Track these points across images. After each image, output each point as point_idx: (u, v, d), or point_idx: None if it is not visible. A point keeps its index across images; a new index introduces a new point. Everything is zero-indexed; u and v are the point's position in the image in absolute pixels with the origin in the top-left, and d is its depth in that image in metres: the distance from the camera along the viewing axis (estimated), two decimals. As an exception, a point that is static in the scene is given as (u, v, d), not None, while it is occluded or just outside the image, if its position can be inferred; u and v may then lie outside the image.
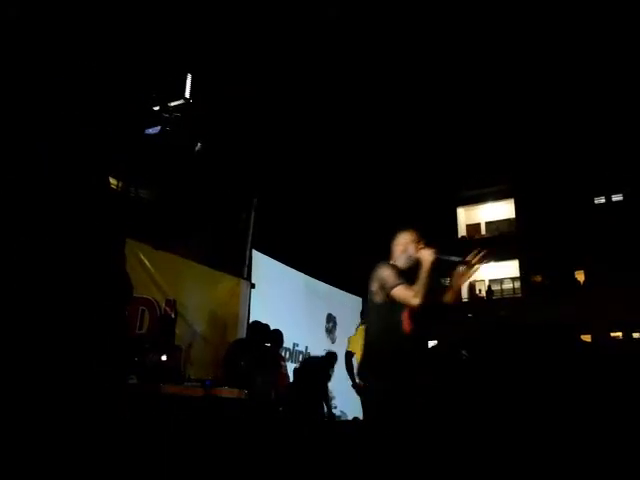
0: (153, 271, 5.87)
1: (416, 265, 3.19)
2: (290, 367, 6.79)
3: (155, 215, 5.85)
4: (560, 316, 13.62)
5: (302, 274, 8.56)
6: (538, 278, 18.12)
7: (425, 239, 3.30)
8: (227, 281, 6.95)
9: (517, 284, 18.29)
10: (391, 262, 3.32)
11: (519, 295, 18.02)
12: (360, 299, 10.61)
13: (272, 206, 7.71)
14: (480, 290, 18.86)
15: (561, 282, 17.15)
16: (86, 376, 2.28)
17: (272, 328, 6.07)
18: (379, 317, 3.24)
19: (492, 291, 18.71)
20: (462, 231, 19.73)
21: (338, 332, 9.41)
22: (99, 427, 2.18)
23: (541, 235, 17.27)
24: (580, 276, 17.53)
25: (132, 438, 2.80)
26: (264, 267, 7.61)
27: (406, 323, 3.13)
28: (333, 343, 9.17)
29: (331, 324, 9.34)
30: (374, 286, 3.23)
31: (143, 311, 5.79)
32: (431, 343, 14.02)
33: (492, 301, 18.20)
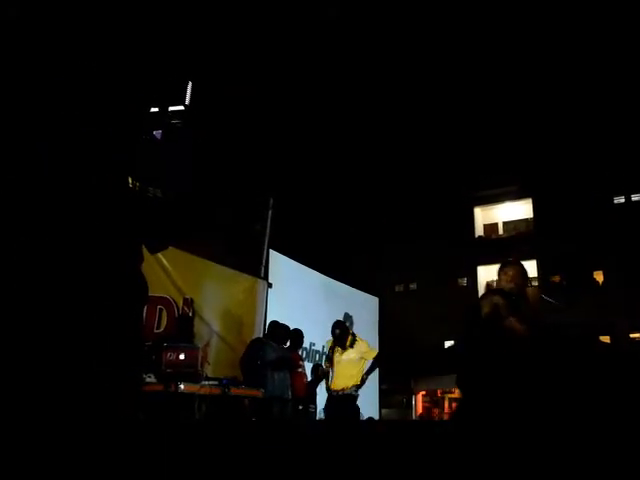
0: (171, 270, 5.87)
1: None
2: (307, 367, 6.75)
3: (173, 215, 5.84)
4: (579, 317, 13.41)
5: (319, 274, 8.51)
6: (556, 278, 17.87)
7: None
8: (244, 280, 6.93)
9: (535, 285, 18.05)
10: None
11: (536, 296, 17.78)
12: (377, 299, 10.55)
13: (289, 205, 7.68)
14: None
15: (580, 283, 16.89)
16: (97, 376, 2.25)
17: (290, 328, 6.05)
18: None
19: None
20: (479, 231, 19.54)
21: (355, 331, 9.33)
22: (109, 427, 2.15)
23: (559, 235, 17.02)
24: (599, 276, 17.25)
25: (148, 437, 2.77)
26: (281, 267, 7.57)
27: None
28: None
29: (348, 323, 9.26)
30: (482, 314, 3.29)
31: (161, 310, 5.79)
32: (448, 342, 13.85)
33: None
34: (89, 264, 2.54)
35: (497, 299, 3.31)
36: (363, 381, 5.70)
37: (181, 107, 3.14)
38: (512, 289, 3.42)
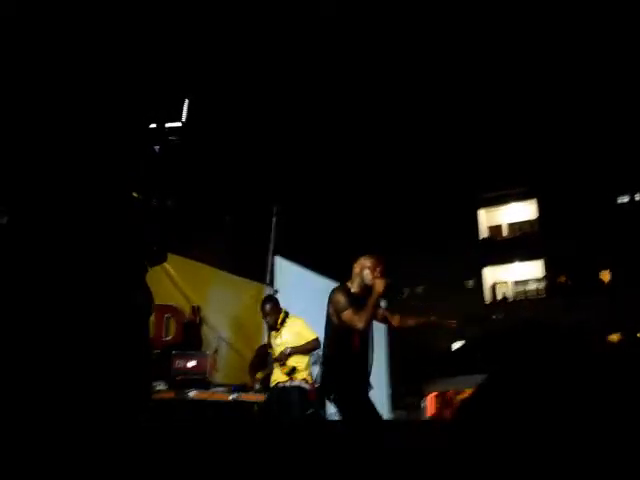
0: (177, 279, 5.91)
1: (369, 290, 3.56)
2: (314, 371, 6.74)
3: (178, 223, 5.90)
4: (585, 317, 13.34)
5: (325, 278, 8.50)
6: (562, 279, 17.79)
7: (382, 266, 3.55)
8: (250, 287, 6.94)
9: (541, 285, 17.99)
10: (347, 283, 3.72)
11: (543, 296, 17.72)
12: (384, 302, 10.53)
13: (294, 211, 7.70)
14: (504, 293, 18.60)
15: (586, 282, 16.81)
16: (102, 384, 2.27)
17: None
18: (336, 337, 3.61)
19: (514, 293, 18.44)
20: (484, 233, 19.49)
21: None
22: (110, 432, 2.17)
23: (565, 235, 16.96)
24: (605, 276, 17.16)
25: (158, 444, 2.78)
26: (287, 273, 7.57)
27: (356, 342, 3.55)
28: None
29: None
30: (330, 309, 3.61)
31: (168, 318, 5.82)
32: (456, 344, 13.82)
33: (515, 303, 17.92)
34: (95, 274, 2.57)
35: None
36: (284, 356, 4.74)
37: (178, 124, 3.19)
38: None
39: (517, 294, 18.40)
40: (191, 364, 5.21)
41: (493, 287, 18.65)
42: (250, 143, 6.70)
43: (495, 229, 19.54)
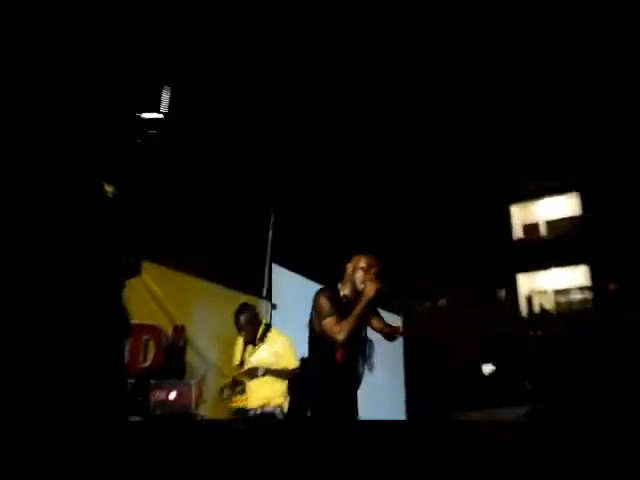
0: (158, 293, 5.90)
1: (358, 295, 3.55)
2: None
3: (160, 228, 5.90)
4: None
5: (331, 291, 8.52)
6: (611, 286, 17.75)
7: (380, 267, 3.54)
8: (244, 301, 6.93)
9: (587, 295, 17.95)
10: (338, 285, 3.72)
11: (589, 308, 17.68)
12: (400, 318, 10.52)
13: (294, 212, 7.67)
14: (542, 304, 18.56)
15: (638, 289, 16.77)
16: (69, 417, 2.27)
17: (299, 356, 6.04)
18: (317, 348, 3.61)
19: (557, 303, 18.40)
20: (517, 233, 19.45)
21: (377, 358, 9.29)
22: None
23: (613, 236, 16.91)
24: (662, 282, 17.12)
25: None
26: (286, 284, 7.57)
27: (339, 354, 3.52)
28: (371, 371, 9.05)
29: (368, 349, 9.23)
30: (312, 314, 3.64)
31: (147, 341, 5.81)
32: (487, 368, 13.88)
33: (557, 316, 17.88)
34: (60, 289, 2.54)
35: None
36: (252, 375, 4.64)
37: (158, 115, 3.21)
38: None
39: (558, 305, 18.36)
40: (172, 395, 5.18)
41: (529, 297, 18.61)
42: (242, 138, 6.72)
43: (531, 228, 19.50)
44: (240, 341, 5.16)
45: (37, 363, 2.38)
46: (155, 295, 5.85)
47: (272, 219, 7.42)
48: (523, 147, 16.73)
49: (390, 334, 3.87)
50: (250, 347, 4.97)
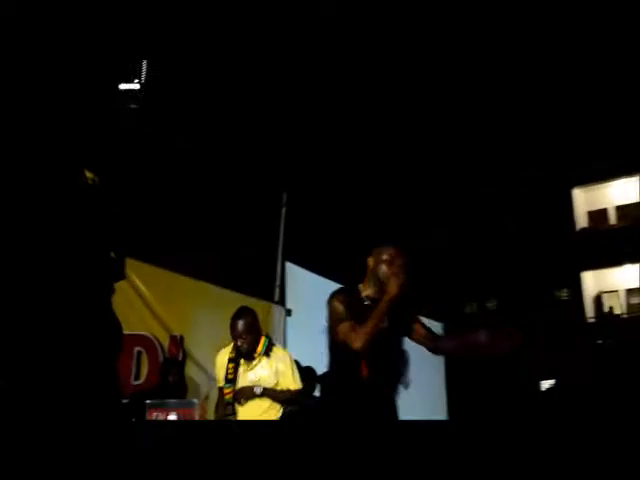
0: (151, 298, 5.94)
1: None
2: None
3: (155, 224, 5.96)
4: None
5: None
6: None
7: (404, 260, 3.47)
8: (254, 307, 6.94)
9: None
10: (360, 286, 3.65)
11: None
12: (439, 324, 10.47)
13: (309, 201, 7.66)
14: (612, 307, 18.38)
15: None
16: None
17: (318, 370, 6.05)
18: (335, 359, 3.56)
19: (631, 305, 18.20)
20: (582, 221, 19.27)
21: (414, 372, 9.28)
22: None
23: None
24: None
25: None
26: (302, 285, 7.58)
27: (363, 368, 3.44)
28: (406, 389, 9.05)
29: (402, 362, 9.22)
30: (327, 320, 3.52)
31: (140, 353, 5.87)
32: (546, 383, 13.83)
33: (629, 320, 17.69)
34: (38, 295, 2.58)
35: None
36: (250, 394, 4.57)
37: (135, 86, 3.25)
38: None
39: (631, 308, 18.16)
40: (172, 417, 5.23)
41: (597, 298, 18.42)
42: (252, 127, 6.79)
43: (598, 215, 19.28)
44: (225, 353, 4.92)
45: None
46: (147, 301, 5.91)
47: (284, 210, 7.41)
48: (586, 125, 16.57)
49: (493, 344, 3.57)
50: (244, 363, 4.78)
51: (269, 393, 4.67)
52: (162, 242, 6.03)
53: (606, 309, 18.49)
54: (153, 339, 5.96)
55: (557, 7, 7.95)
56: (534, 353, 14.22)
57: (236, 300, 6.79)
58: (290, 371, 4.81)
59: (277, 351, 4.87)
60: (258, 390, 4.64)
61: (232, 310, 6.71)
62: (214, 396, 6.21)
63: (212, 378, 6.29)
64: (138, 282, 5.73)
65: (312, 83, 7.04)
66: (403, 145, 9.26)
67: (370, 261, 3.64)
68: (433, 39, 7.32)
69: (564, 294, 18.66)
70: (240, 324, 4.76)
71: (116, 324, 2.85)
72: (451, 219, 15.00)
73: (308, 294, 7.59)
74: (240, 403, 4.64)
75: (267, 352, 4.78)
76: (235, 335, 4.76)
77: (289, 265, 7.39)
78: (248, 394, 4.64)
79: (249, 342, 4.74)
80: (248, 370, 4.76)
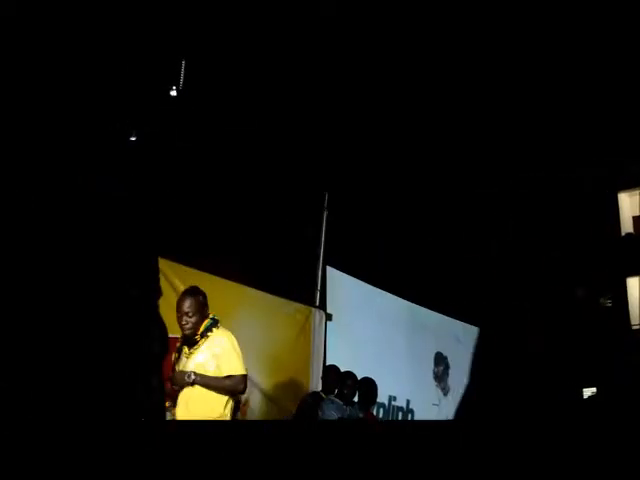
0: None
1: None
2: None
3: (197, 227, 5.95)
4: None
5: (397, 297, 8.42)
6: None
7: None
8: (293, 311, 6.95)
9: None
10: None
11: None
12: (476, 329, 10.34)
13: (352, 205, 7.60)
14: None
15: None
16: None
17: (359, 375, 6.00)
18: None
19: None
20: (627, 226, 18.98)
21: (452, 379, 9.18)
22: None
23: None
24: None
25: None
26: (344, 290, 7.54)
27: None
28: (445, 395, 8.96)
29: (441, 368, 9.13)
30: None
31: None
32: (588, 391, 13.59)
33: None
34: (89, 300, 2.58)
35: None
36: (182, 381, 4.19)
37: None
38: None
39: (679, 314, 17.85)
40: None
41: (642, 304, 18.14)
42: (288, 123, 6.79)
43: (643, 220, 19.06)
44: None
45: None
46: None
47: (325, 213, 7.36)
48: (630, 126, 16.26)
49: None
50: (186, 348, 4.40)
51: (202, 380, 4.25)
52: (203, 245, 6.02)
53: (652, 316, 18.14)
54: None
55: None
56: (577, 360, 14.01)
57: (276, 304, 6.79)
58: (228, 355, 4.37)
59: (217, 332, 4.41)
60: (191, 377, 4.19)
61: (272, 314, 6.73)
62: (254, 401, 6.24)
63: (252, 382, 6.29)
64: (179, 285, 5.71)
65: (353, 83, 7.01)
66: (446, 149, 9.20)
67: None
68: (445, 38, 7.25)
69: (607, 301, 18.37)
70: (187, 302, 4.37)
71: (162, 327, 2.84)
72: (497, 225, 14.84)
73: (349, 299, 7.54)
74: (177, 391, 4.26)
75: (205, 333, 4.37)
76: (180, 314, 4.35)
77: (330, 269, 7.34)
78: (181, 381, 4.26)
79: (193, 323, 4.35)
80: (189, 356, 4.38)
